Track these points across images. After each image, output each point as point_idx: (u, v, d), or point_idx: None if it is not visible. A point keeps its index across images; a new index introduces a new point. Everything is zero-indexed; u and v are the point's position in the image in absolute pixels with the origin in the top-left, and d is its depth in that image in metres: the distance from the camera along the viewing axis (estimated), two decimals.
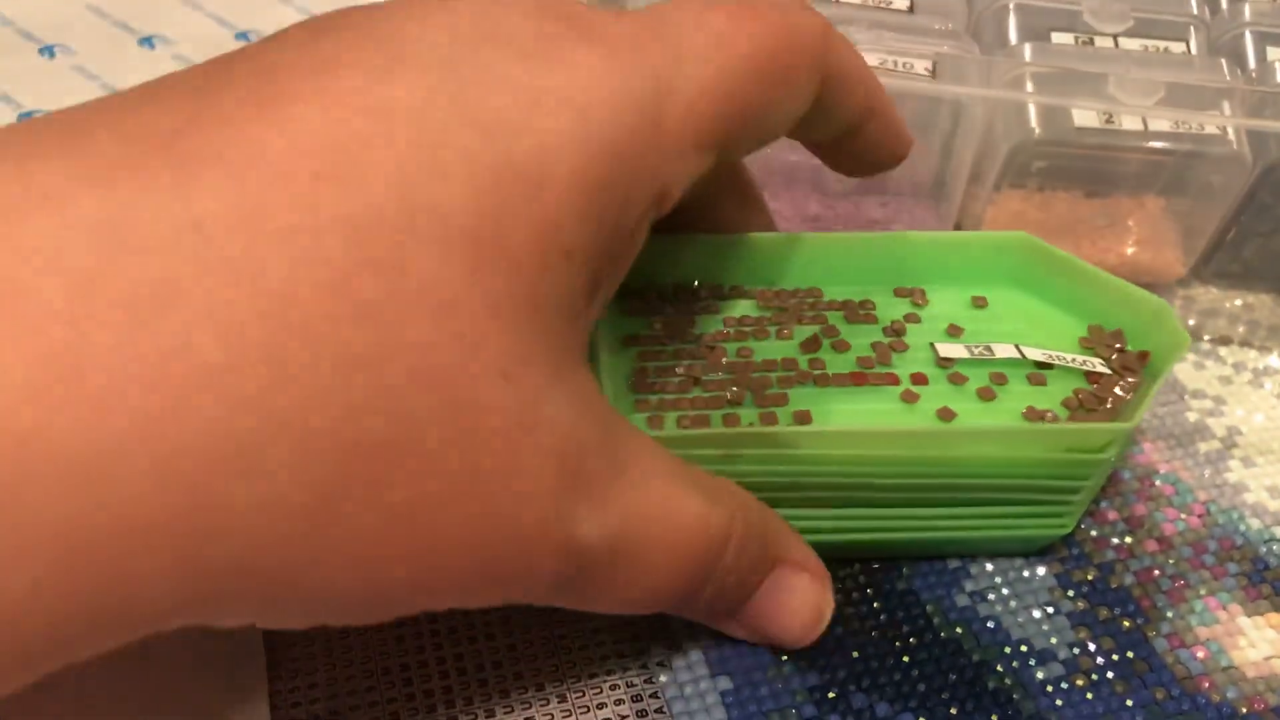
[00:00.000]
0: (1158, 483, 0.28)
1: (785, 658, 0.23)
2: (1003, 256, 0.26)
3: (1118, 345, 0.25)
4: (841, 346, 0.25)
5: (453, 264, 0.15)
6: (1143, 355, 0.25)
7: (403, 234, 0.15)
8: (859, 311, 0.25)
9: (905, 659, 0.23)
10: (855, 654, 0.23)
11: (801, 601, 0.22)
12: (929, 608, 0.24)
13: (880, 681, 0.23)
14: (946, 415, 0.23)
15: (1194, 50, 0.32)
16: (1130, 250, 0.31)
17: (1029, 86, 0.29)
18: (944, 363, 0.24)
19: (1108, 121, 0.29)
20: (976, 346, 0.25)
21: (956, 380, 0.24)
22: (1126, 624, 0.24)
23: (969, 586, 0.25)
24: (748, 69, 0.19)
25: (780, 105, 0.20)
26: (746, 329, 0.25)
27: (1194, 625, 0.24)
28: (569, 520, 0.17)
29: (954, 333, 0.25)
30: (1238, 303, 0.32)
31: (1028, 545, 0.25)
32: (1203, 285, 0.32)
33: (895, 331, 0.25)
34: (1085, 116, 0.29)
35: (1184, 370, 0.31)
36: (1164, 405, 0.30)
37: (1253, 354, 0.31)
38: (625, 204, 0.18)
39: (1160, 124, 0.29)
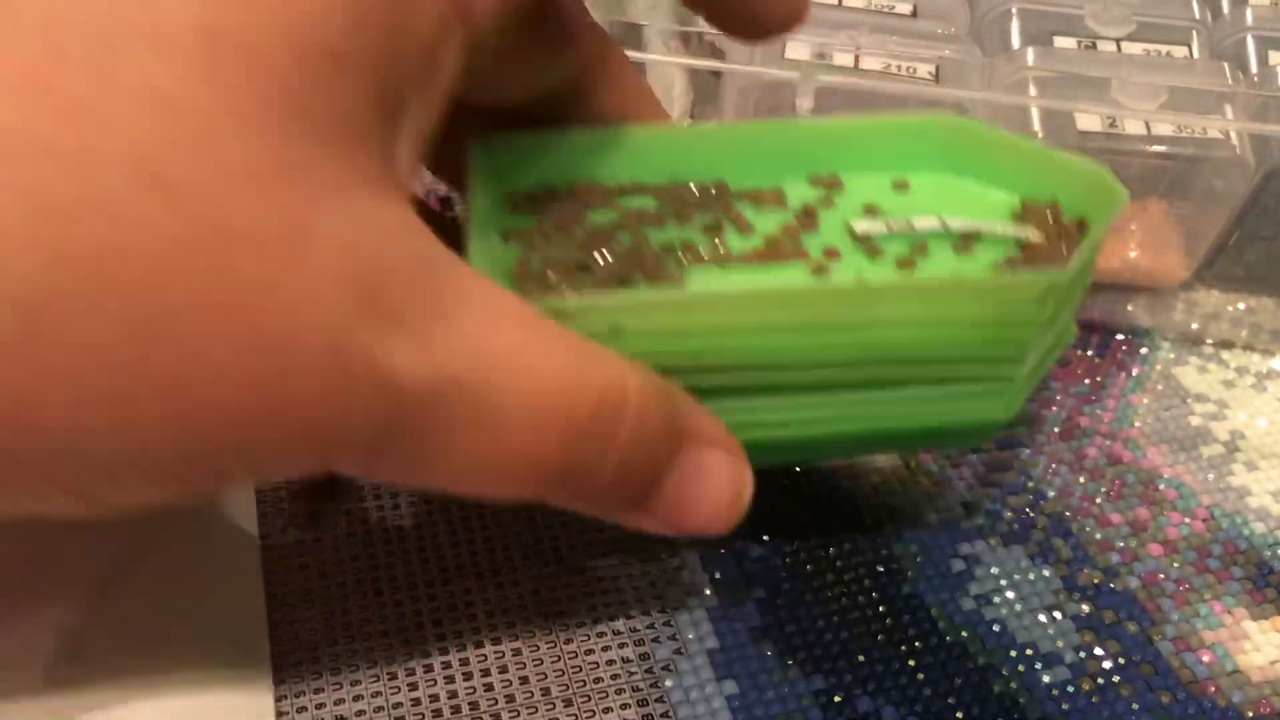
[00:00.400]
0: (1161, 487, 0.28)
1: (791, 661, 0.23)
2: (925, 139, 0.24)
3: (1053, 217, 0.23)
4: (747, 230, 0.23)
5: (174, 59, 0.14)
6: (1081, 224, 0.22)
7: (113, 30, 0.14)
8: (768, 198, 0.23)
9: (911, 663, 0.23)
10: (861, 658, 0.23)
11: (720, 482, 0.20)
12: (934, 611, 0.24)
13: (886, 685, 0.23)
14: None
15: (1196, 54, 0.32)
16: (1133, 254, 0.31)
17: (1032, 90, 0.29)
18: (861, 240, 0.22)
19: (1110, 126, 0.30)
20: (896, 221, 0.23)
21: (873, 253, 0.22)
22: (1132, 628, 0.24)
23: (974, 590, 0.25)
24: None
25: None
26: (645, 220, 0.23)
27: (1199, 629, 0.24)
28: (375, 351, 0.15)
29: (872, 213, 0.23)
30: (1240, 306, 0.32)
31: (969, 435, 0.23)
32: (1205, 289, 0.32)
33: (807, 213, 0.23)
34: (1088, 120, 0.30)
35: (1187, 374, 0.31)
36: (1166, 409, 0.30)
37: (1256, 358, 0.31)
38: (407, 8, 0.16)
39: (1163, 128, 0.29)
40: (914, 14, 0.31)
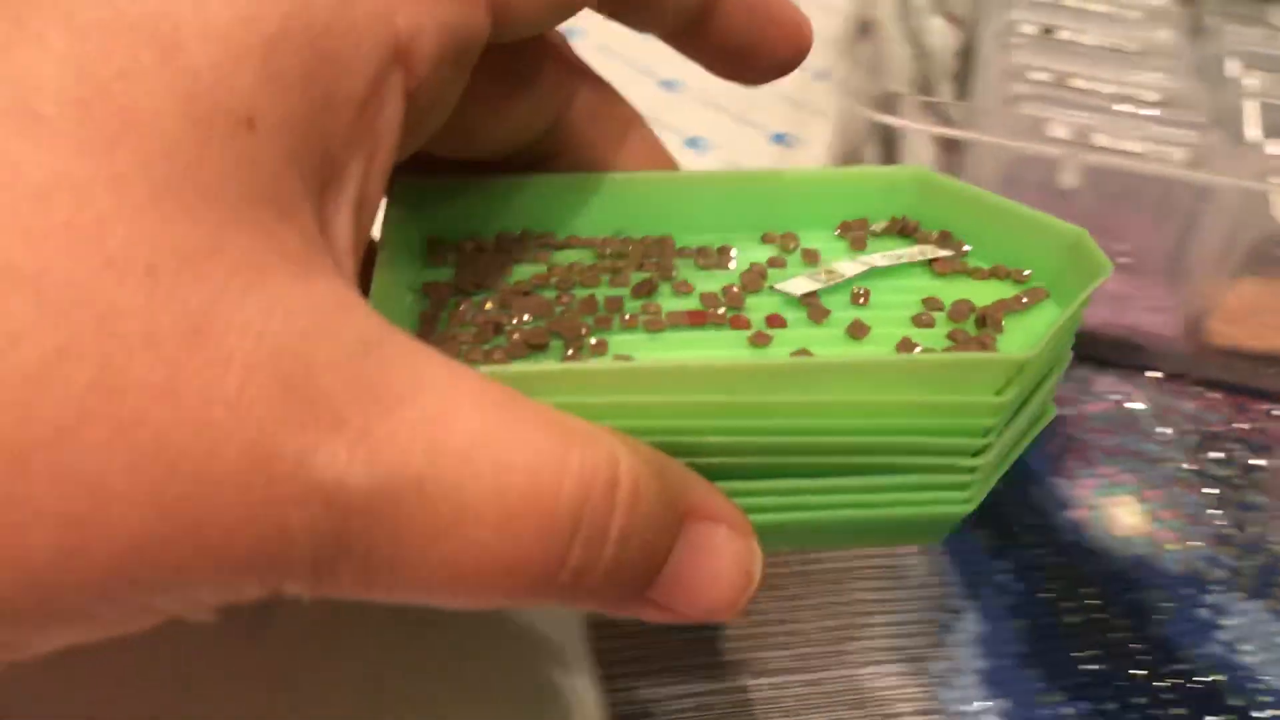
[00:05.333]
0: None
1: (1053, 686, 0.25)
2: (892, 195, 0.22)
3: (1021, 275, 0.21)
4: (684, 289, 0.20)
5: (45, 138, 0.12)
6: (1021, 274, 0.21)
7: None
8: (714, 257, 0.21)
9: (1165, 696, 0.25)
10: (1119, 686, 0.25)
11: (727, 562, 0.17)
12: (1184, 653, 0.26)
13: (1147, 714, 0.25)
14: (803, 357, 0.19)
15: None
16: None
17: (1274, 179, 0.31)
18: (807, 301, 0.20)
19: None
20: (820, 273, 0.20)
21: (817, 318, 0.20)
22: None
23: (1222, 636, 0.27)
24: None
25: None
26: (574, 276, 0.20)
27: None
28: (306, 457, 0.13)
29: (830, 273, 0.21)
30: None
31: (929, 529, 0.19)
32: None
33: (756, 274, 0.20)
34: None
35: None
36: None
37: None
38: (335, 57, 0.15)
39: None
40: (1160, 103, 0.34)
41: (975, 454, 0.18)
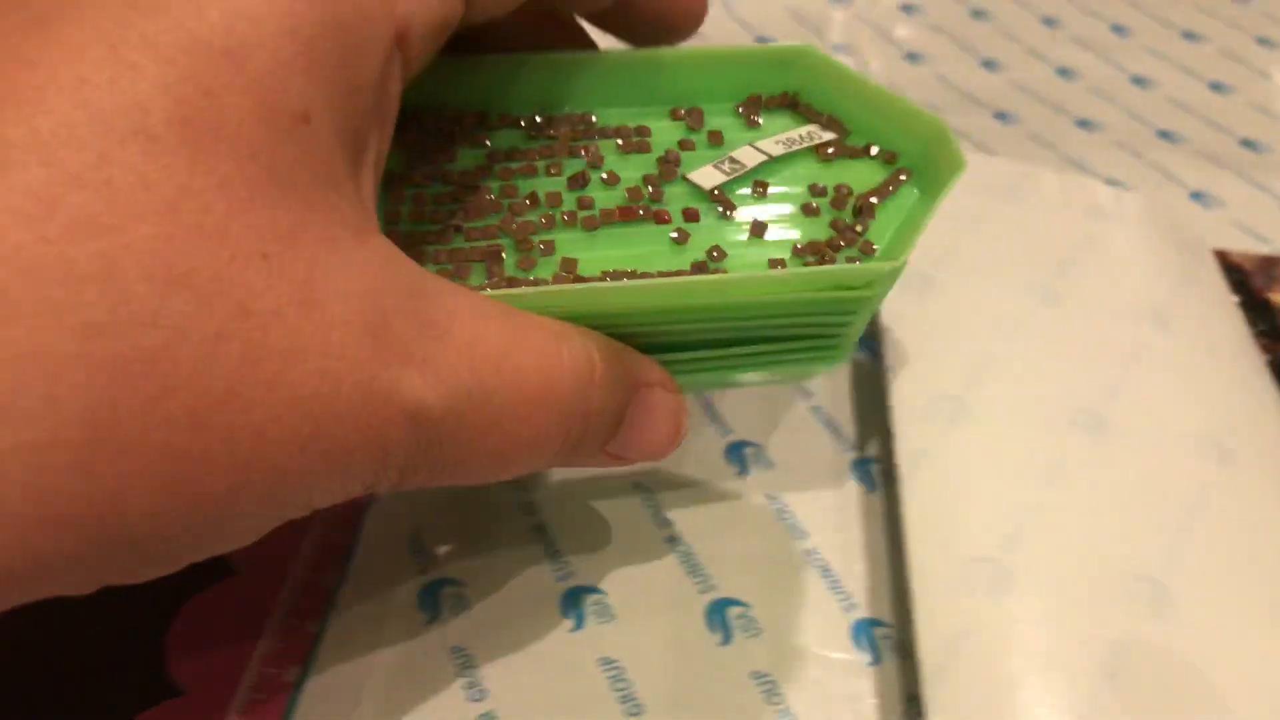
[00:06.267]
0: None
1: None
2: (782, 71, 0.25)
3: (893, 156, 0.24)
4: (612, 180, 0.23)
5: (163, 157, 0.15)
6: (902, 170, 0.24)
7: (101, 140, 0.14)
8: (633, 139, 0.24)
9: None
10: None
11: (664, 416, 0.22)
12: None
13: None
14: (717, 255, 0.22)
15: None
16: None
17: None
18: (715, 196, 0.23)
19: None
20: (724, 163, 0.23)
21: (727, 211, 0.23)
22: None
23: None
24: None
25: None
26: (513, 165, 0.23)
27: None
28: (395, 388, 0.16)
29: (734, 163, 0.24)
30: None
31: (803, 375, 0.26)
32: None
33: (668, 160, 0.24)
34: None
35: None
36: None
37: None
38: (357, 49, 0.17)
39: None
40: None
41: (846, 325, 0.22)
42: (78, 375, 0.14)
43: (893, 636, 0.25)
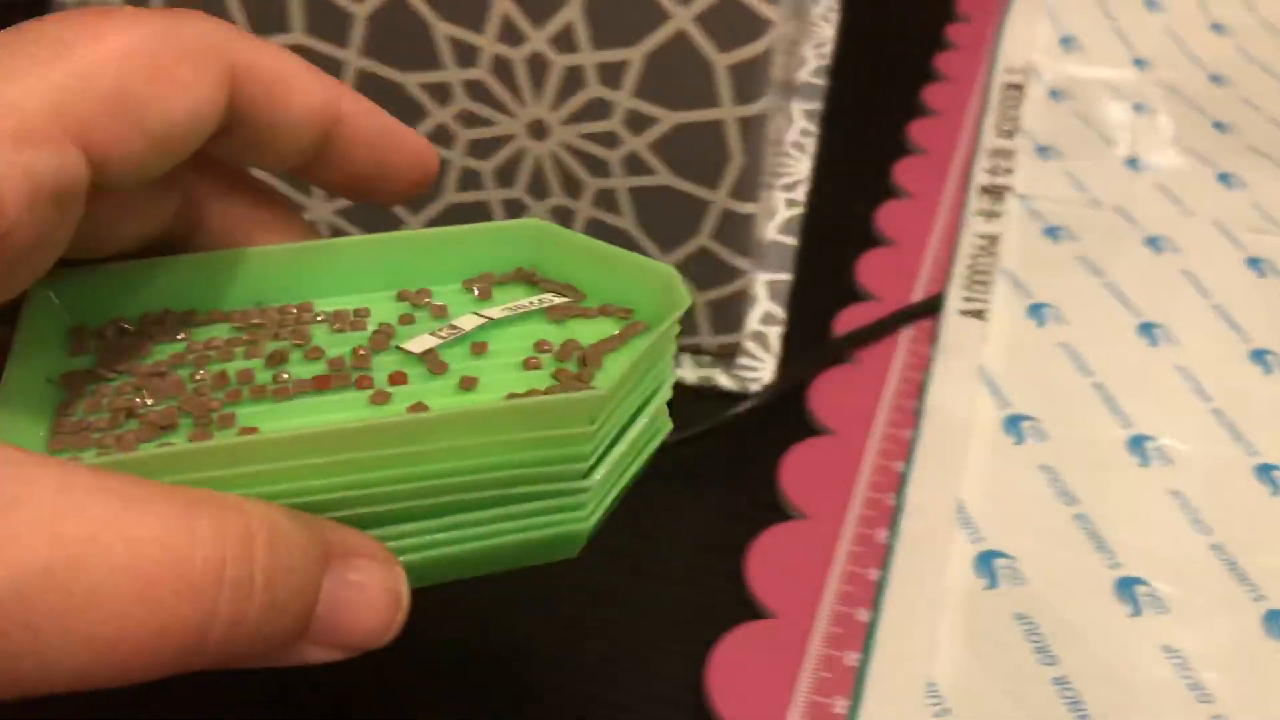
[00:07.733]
0: None
1: None
2: (511, 247, 0.24)
3: (626, 313, 0.23)
4: (314, 355, 0.21)
5: None
6: (628, 312, 0.23)
7: None
8: (350, 320, 0.23)
9: None
10: None
11: (375, 590, 0.18)
12: None
13: None
14: (417, 411, 0.20)
15: None
16: None
17: None
18: (426, 357, 0.21)
19: None
20: (442, 329, 0.22)
21: (436, 370, 0.21)
22: None
23: None
24: (105, 58, 0.18)
25: (161, 100, 0.19)
26: (211, 352, 0.21)
27: None
28: None
29: (452, 328, 0.22)
30: None
31: (558, 546, 0.21)
32: None
33: (384, 334, 0.22)
34: None
35: None
36: None
37: None
38: None
39: None
40: None
41: (583, 476, 0.20)
42: None
43: None
